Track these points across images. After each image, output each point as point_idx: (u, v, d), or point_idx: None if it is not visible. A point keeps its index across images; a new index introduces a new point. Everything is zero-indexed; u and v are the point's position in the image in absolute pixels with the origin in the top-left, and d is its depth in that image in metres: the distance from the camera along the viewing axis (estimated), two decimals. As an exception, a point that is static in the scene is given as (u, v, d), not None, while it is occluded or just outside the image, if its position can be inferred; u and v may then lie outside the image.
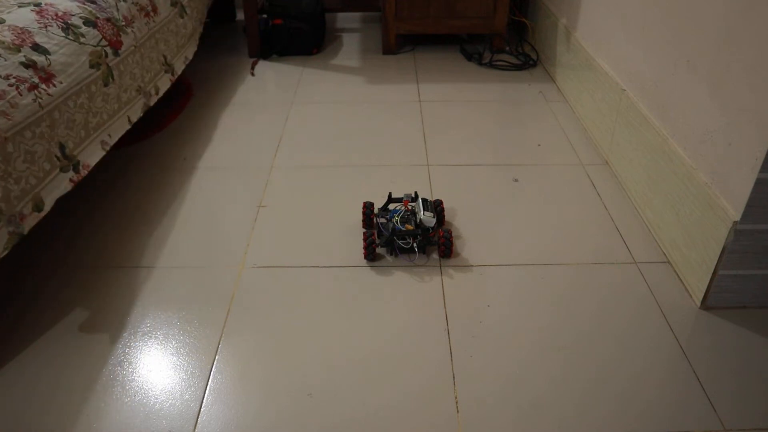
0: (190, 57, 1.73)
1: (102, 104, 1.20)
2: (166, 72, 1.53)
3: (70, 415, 0.88)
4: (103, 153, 1.20)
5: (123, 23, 1.32)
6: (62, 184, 1.07)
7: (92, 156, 1.17)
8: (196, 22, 1.80)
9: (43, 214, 1.02)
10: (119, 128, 1.28)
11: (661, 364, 0.96)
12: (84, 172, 1.12)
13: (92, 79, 1.17)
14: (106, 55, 1.23)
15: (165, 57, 1.53)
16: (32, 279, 1.14)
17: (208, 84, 1.96)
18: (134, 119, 1.35)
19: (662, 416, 0.87)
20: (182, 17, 1.66)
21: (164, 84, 1.52)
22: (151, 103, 1.43)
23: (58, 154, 1.07)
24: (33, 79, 1.02)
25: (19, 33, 1.05)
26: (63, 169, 1.07)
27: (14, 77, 0.99)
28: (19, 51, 1.03)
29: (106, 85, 1.21)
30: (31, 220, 1.00)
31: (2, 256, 0.93)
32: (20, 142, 0.97)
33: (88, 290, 1.11)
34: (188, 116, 1.75)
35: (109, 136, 1.24)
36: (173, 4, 1.61)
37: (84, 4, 1.24)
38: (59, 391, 0.92)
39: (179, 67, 1.63)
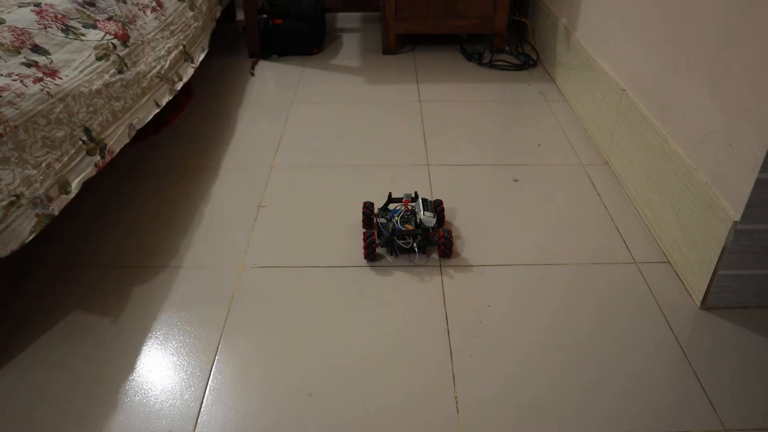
0: (207, 48, 1.73)
1: (122, 89, 1.20)
2: (186, 60, 1.54)
3: (69, 415, 0.88)
4: (128, 139, 1.20)
5: (127, 20, 1.32)
6: (88, 168, 1.07)
7: (118, 141, 1.17)
8: (207, 17, 1.80)
9: (71, 196, 1.03)
10: (147, 111, 1.29)
11: (661, 364, 0.96)
12: (108, 158, 1.13)
13: (104, 68, 1.17)
14: (114, 47, 1.23)
15: (185, 46, 1.54)
16: (32, 279, 1.14)
17: (208, 84, 1.96)
18: (162, 103, 1.35)
19: (662, 416, 0.87)
20: (192, 10, 1.67)
21: (186, 72, 1.52)
22: (177, 89, 1.45)
23: (84, 138, 1.06)
24: (37, 75, 1.02)
25: (18, 35, 1.05)
26: (89, 152, 1.07)
27: (17, 74, 0.99)
28: (19, 53, 1.03)
29: (120, 72, 1.21)
30: (60, 203, 1.00)
31: (30, 239, 0.94)
32: (34, 129, 0.97)
33: (89, 290, 1.11)
34: (188, 116, 1.75)
35: (138, 118, 1.25)
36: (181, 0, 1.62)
37: (83, 7, 1.24)
38: (59, 391, 0.92)
39: (198, 57, 1.64)
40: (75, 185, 1.04)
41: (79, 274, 1.15)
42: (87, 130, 1.07)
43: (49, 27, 1.11)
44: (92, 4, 1.27)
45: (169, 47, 1.45)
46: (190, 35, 1.61)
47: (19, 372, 0.95)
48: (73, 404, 0.90)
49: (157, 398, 0.91)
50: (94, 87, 1.12)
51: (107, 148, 1.12)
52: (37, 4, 1.15)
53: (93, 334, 1.02)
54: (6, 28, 1.05)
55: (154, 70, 1.35)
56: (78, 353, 0.98)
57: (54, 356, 0.98)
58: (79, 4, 1.24)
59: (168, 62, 1.43)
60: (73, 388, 0.92)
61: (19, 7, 1.13)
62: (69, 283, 1.13)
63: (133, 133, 1.22)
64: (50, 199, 0.98)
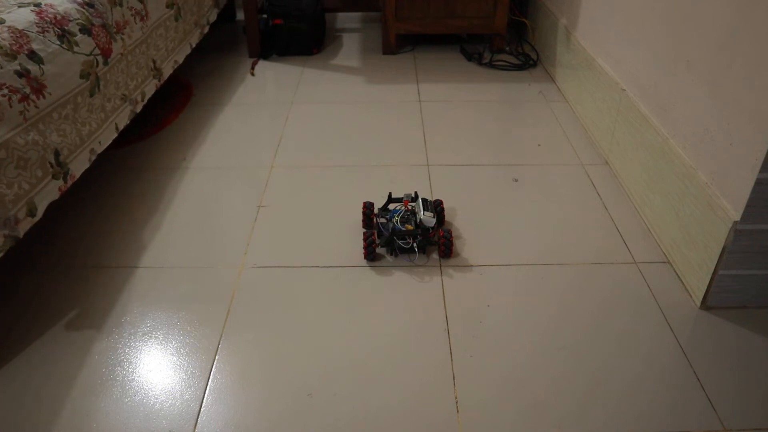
0: (180, 60, 1.72)
1: (87, 114, 1.21)
2: (153, 77, 1.52)
3: (69, 416, 0.88)
4: (88, 164, 1.20)
5: (114, 29, 1.32)
6: (53, 192, 1.08)
7: (80, 166, 1.17)
8: (189, 25, 1.79)
9: (36, 219, 1.03)
10: (108, 136, 1.29)
11: (661, 364, 0.96)
12: (70, 182, 1.13)
13: (79, 90, 1.17)
14: (97, 64, 1.23)
15: (154, 62, 1.53)
16: (32, 279, 1.14)
17: (208, 84, 1.96)
18: (121, 126, 1.34)
19: (662, 416, 0.87)
20: (176, 20, 1.66)
21: (150, 90, 1.51)
22: (138, 110, 1.43)
23: (52, 161, 1.07)
24: (25, 89, 1.02)
25: (17, 37, 1.05)
26: (55, 177, 1.08)
27: (7, 87, 0.99)
28: (15, 58, 1.03)
29: (92, 95, 1.21)
30: (26, 225, 1.00)
31: None
32: (13, 148, 0.98)
33: (88, 290, 1.11)
34: (188, 116, 1.75)
35: (99, 143, 1.25)
36: (169, 6, 1.61)
37: (83, 7, 1.24)
38: (59, 391, 0.92)
39: (167, 72, 1.62)
40: (40, 209, 1.04)
41: (77, 274, 1.15)
42: (57, 153, 1.08)
43: (47, 31, 1.11)
44: (91, 5, 1.27)
45: (140, 63, 1.44)
46: (163, 49, 1.59)
47: (18, 372, 0.95)
48: (73, 404, 0.90)
49: (157, 398, 0.91)
50: (65, 112, 1.12)
51: (70, 173, 1.13)
52: (37, 5, 1.15)
53: (93, 334, 1.02)
54: (5, 29, 1.05)
55: (120, 91, 1.34)
56: (78, 352, 0.98)
57: (53, 356, 0.98)
58: (78, 4, 1.24)
59: (135, 81, 1.42)
60: (73, 388, 0.92)
61: (19, 7, 1.13)
62: (67, 283, 1.13)
63: (93, 158, 1.22)
64: (17, 221, 0.98)
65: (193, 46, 1.82)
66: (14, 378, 0.94)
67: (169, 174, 1.46)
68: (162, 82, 1.58)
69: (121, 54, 1.34)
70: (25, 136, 1.01)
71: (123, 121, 1.35)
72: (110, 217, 1.31)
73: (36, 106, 1.05)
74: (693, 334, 1.01)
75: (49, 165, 1.06)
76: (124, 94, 1.36)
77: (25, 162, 1.00)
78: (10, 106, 0.98)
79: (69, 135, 1.13)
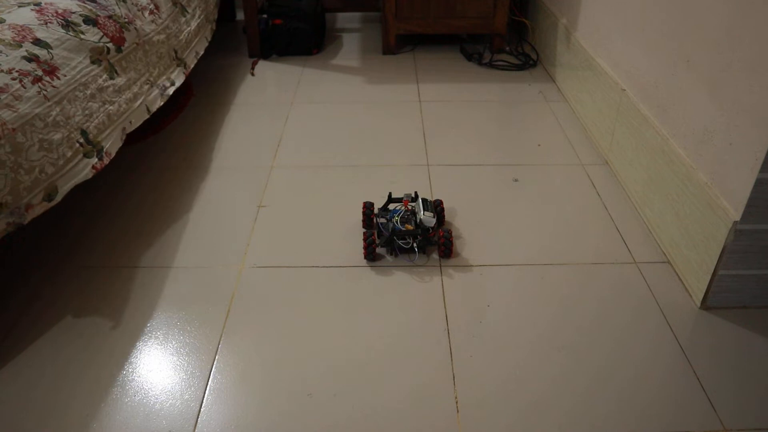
0: (201, 52, 1.73)
1: (115, 94, 1.20)
2: (177, 66, 1.53)
3: (69, 415, 0.88)
4: (121, 143, 1.20)
5: (126, 20, 1.32)
6: (84, 171, 1.06)
7: (114, 145, 1.16)
8: (200, 20, 1.80)
9: (53, 203, 1.01)
10: (139, 116, 1.29)
11: (661, 364, 0.96)
12: (107, 160, 1.11)
13: (97, 72, 1.17)
14: (108, 52, 1.22)
15: (176, 51, 1.54)
16: (32, 279, 1.14)
17: (209, 84, 1.96)
18: (153, 109, 1.34)
19: (662, 416, 0.87)
20: (184, 15, 1.67)
21: (179, 77, 1.52)
22: (169, 94, 1.43)
23: (81, 140, 1.06)
24: (36, 72, 1.01)
25: (19, 30, 1.05)
26: (87, 155, 1.06)
27: (17, 71, 0.98)
28: (21, 46, 1.02)
29: (112, 78, 1.21)
30: (38, 210, 0.98)
31: None
32: (32, 131, 0.96)
33: (88, 290, 1.11)
34: (188, 116, 1.75)
35: (130, 122, 1.24)
36: (174, 4, 1.62)
37: (84, 3, 1.24)
38: (59, 391, 0.92)
39: (191, 62, 1.64)
40: (61, 192, 1.02)
41: (78, 274, 1.15)
42: (84, 133, 1.07)
43: (50, 22, 1.11)
44: (93, 0, 1.27)
45: (161, 52, 1.45)
46: (183, 40, 1.60)
47: (18, 373, 0.95)
48: (73, 404, 0.90)
49: (157, 398, 0.91)
50: (89, 91, 1.11)
51: (104, 150, 1.12)
52: (38, 4, 1.15)
53: (93, 335, 1.02)
54: (6, 26, 1.05)
55: (144, 77, 1.34)
56: (78, 352, 0.98)
57: (52, 355, 0.98)
58: (80, 0, 1.23)
59: (158, 69, 1.42)
60: (74, 388, 0.92)
61: (19, 7, 1.13)
62: (68, 283, 1.13)
63: (124, 137, 1.21)
64: (29, 207, 0.96)
65: (209, 39, 1.83)
66: (15, 377, 0.94)
67: (169, 174, 1.46)
68: (188, 71, 1.59)
69: (137, 44, 1.34)
70: (46, 118, 1.00)
71: (155, 103, 1.36)
72: (110, 217, 1.31)
73: (53, 86, 1.04)
74: (693, 334, 1.01)
75: (78, 144, 1.05)
76: (149, 80, 1.36)
77: (50, 143, 0.99)
78: (24, 87, 0.97)
79: (96, 114, 1.12)
